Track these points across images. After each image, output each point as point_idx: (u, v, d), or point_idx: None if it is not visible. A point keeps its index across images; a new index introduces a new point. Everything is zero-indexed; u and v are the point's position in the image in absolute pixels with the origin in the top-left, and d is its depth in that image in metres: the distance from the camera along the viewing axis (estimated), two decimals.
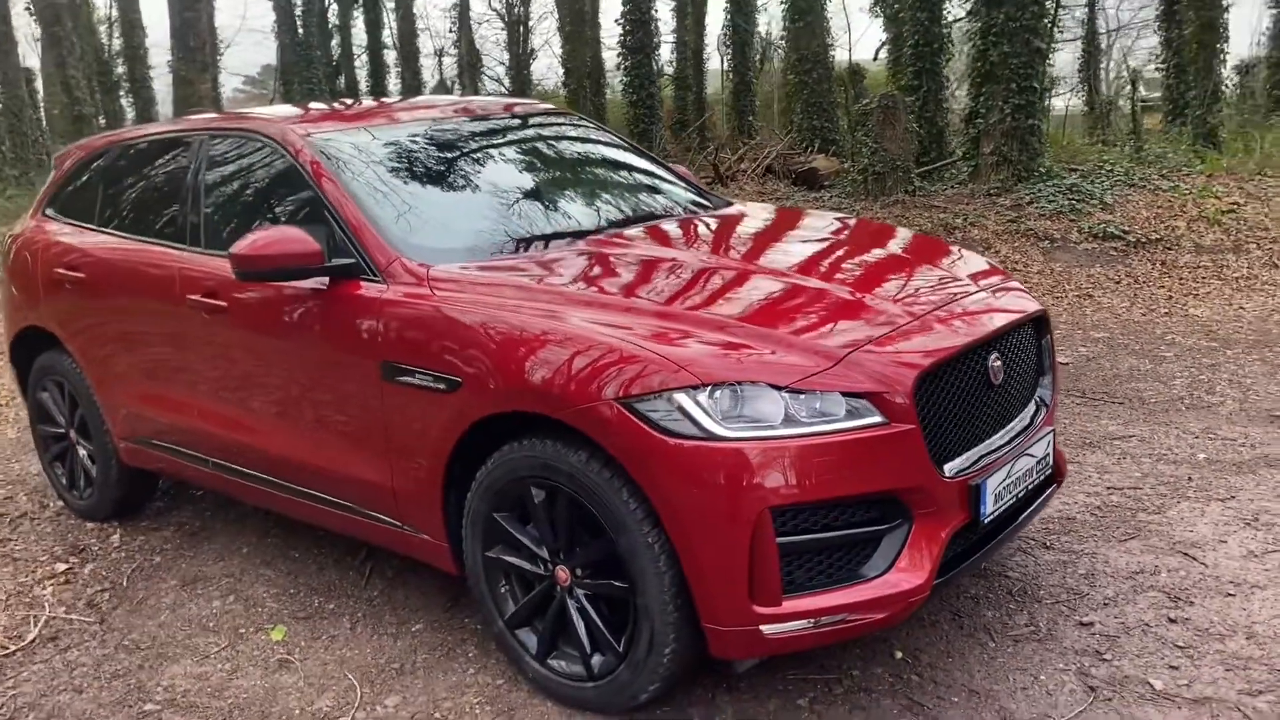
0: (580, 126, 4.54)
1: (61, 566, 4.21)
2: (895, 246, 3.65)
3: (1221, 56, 16.00)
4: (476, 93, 25.10)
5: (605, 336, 2.71)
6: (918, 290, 3.12)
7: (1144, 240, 9.52)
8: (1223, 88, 15.85)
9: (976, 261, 3.55)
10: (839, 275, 3.21)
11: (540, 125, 4.37)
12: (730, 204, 4.25)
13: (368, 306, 3.18)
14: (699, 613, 2.64)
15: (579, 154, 4.27)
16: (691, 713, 2.90)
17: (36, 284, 4.55)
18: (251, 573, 4.05)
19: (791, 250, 3.58)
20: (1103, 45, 24.45)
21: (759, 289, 3.04)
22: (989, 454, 2.90)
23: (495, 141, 4.06)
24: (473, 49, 24.33)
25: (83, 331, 4.37)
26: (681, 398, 2.56)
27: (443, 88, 30.03)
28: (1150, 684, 2.85)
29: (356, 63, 28.21)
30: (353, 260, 3.28)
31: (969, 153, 12.29)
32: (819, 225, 4.04)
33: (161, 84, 26.21)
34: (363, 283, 3.26)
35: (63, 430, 4.74)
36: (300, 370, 3.45)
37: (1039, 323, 3.29)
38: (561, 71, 21.78)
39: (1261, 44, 21.39)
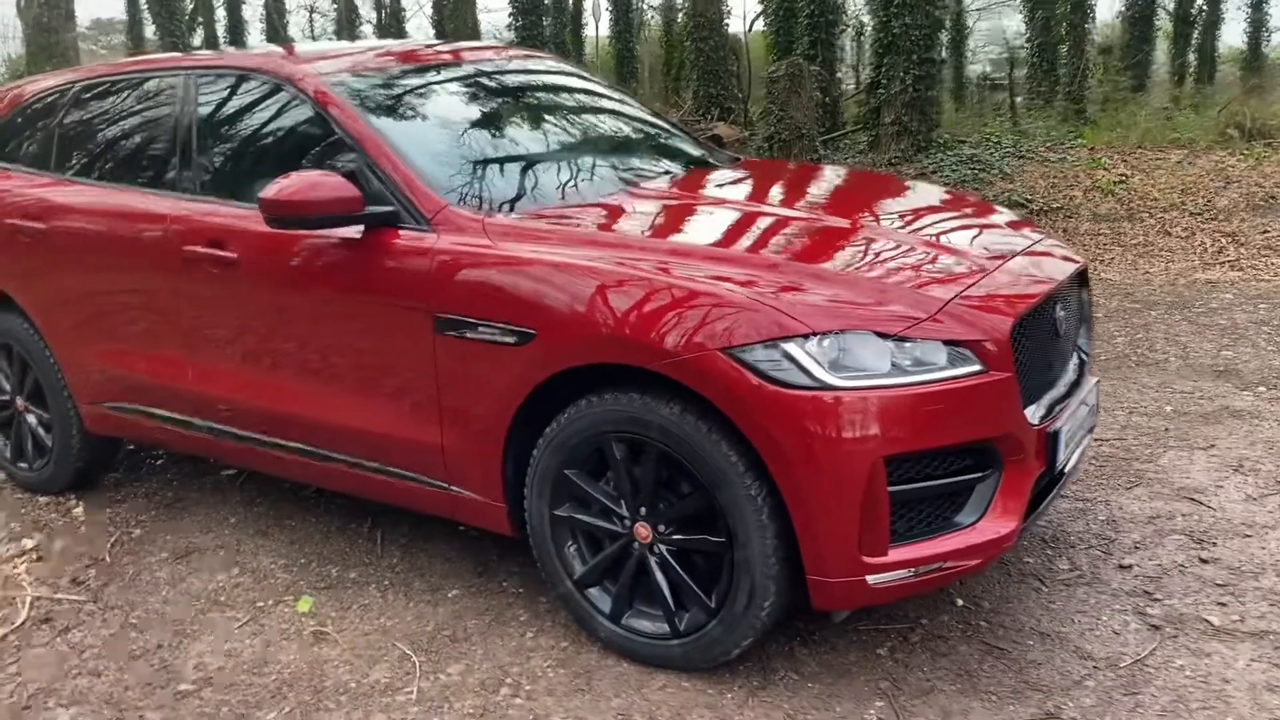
0: (586, 78, 4.41)
1: (28, 543, 3.87)
2: (934, 198, 3.69)
3: (1090, 37, 16.80)
4: None
5: (703, 285, 2.63)
6: (985, 240, 3.15)
7: (1046, 209, 9.92)
8: (1091, 66, 16.65)
9: (1011, 214, 3.63)
10: (906, 225, 3.21)
11: (550, 74, 4.23)
12: (739, 158, 4.20)
13: (416, 257, 3.01)
14: (805, 565, 2.60)
15: (595, 104, 4.14)
16: (775, 665, 2.88)
17: None
18: (248, 544, 3.81)
19: (845, 201, 3.56)
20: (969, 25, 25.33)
21: (835, 238, 3.01)
22: (1057, 403, 2.96)
23: (511, 88, 3.91)
24: (350, 3, 23.40)
25: (42, 288, 4.01)
26: (791, 347, 2.51)
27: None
28: (1208, 620, 2.98)
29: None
30: (393, 208, 3.10)
31: (869, 122, 12.55)
32: (847, 177, 4.04)
33: None
34: (402, 232, 3.08)
35: (7, 397, 4.35)
36: (329, 325, 3.24)
37: (1081, 275, 3.37)
38: (433, 33, 21.21)
39: (1115, 28, 22.64)
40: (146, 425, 3.90)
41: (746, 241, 2.97)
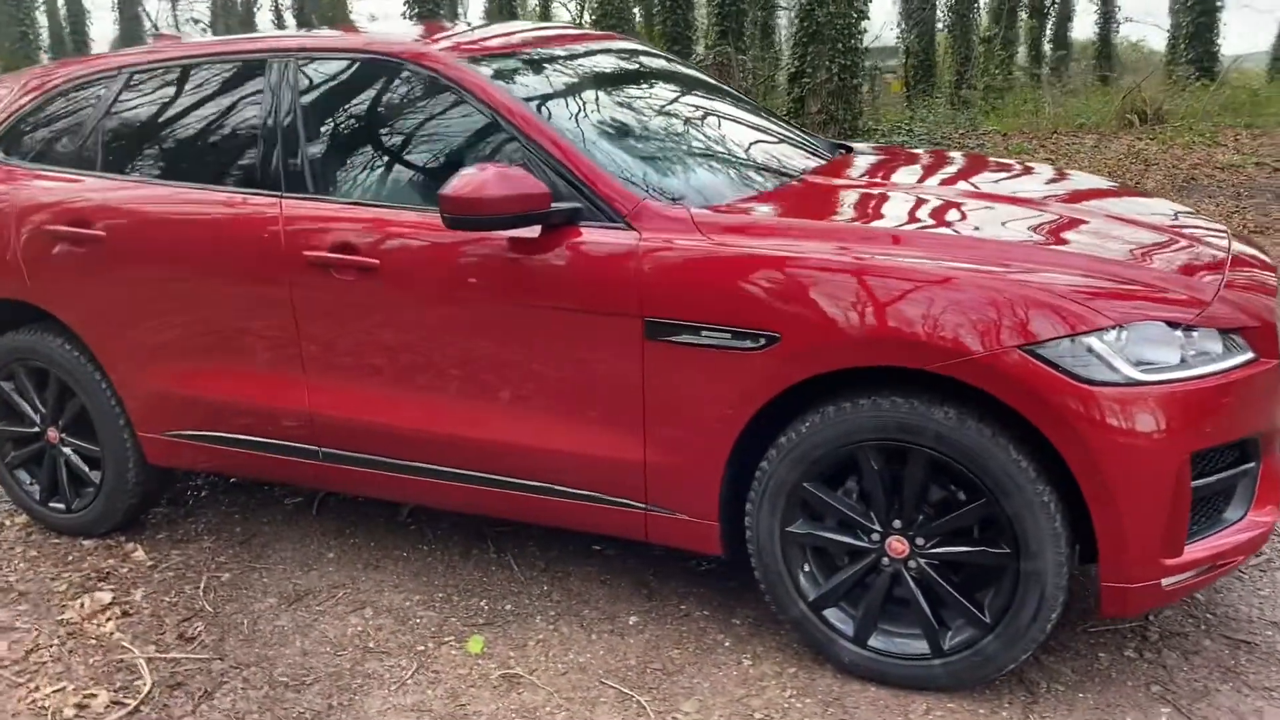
0: (697, 71, 4.19)
1: (104, 596, 3.38)
2: (1094, 182, 3.63)
3: (976, 28, 17.36)
4: None
5: (986, 278, 2.45)
6: (1193, 223, 3.08)
7: None
8: (978, 55, 17.19)
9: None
10: (1120, 210, 3.09)
11: (668, 66, 3.97)
12: (848, 146, 4.04)
13: (619, 257, 2.72)
14: (1101, 571, 2.47)
15: (720, 96, 3.87)
16: (1031, 677, 2.73)
17: (11, 246, 3.60)
18: (365, 580, 3.42)
19: (1035, 186, 3.44)
20: None
21: (1068, 226, 2.88)
22: None
23: (652, 79, 3.67)
24: None
25: (96, 303, 3.49)
26: (1093, 341, 2.37)
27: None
28: None
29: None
30: (578, 205, 2.80)
31: (794, 111, 12.60)
32: (992, 161, 3.90)
33: None
34: (585, 230, 2.79)
35: (35, 429, 3.80)
36: (498, 335, 2.91)
37: None
38: (294, 23, 20.37)
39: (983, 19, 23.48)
40: (231, 453, 3.45)
41: (990, 229, 2.80)
